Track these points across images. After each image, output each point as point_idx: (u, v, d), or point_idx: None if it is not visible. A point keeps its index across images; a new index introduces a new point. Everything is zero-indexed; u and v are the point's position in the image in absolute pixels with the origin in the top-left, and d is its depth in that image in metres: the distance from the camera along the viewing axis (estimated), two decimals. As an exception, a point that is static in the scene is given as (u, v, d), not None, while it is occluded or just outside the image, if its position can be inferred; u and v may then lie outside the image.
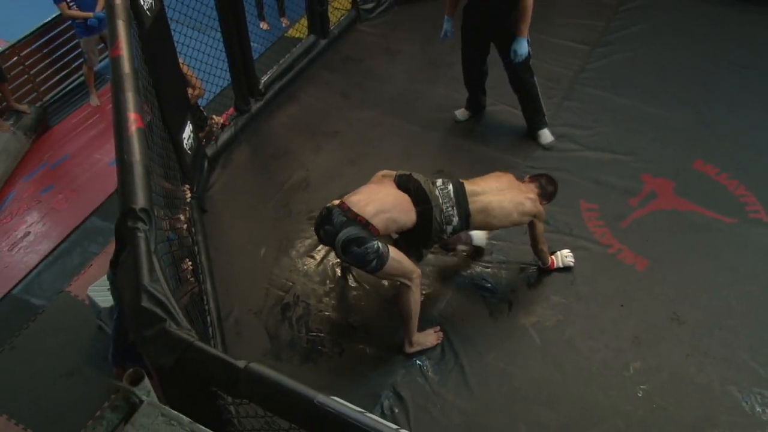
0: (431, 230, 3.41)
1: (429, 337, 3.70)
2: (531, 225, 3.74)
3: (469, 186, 3.53)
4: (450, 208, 3.41)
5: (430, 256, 4.15)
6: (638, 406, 3.41)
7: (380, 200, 3.26)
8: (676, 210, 4.43)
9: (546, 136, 4.97)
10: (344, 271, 4.13)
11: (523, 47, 4.47)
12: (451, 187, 3.47)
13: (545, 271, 4.05)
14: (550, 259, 4.01)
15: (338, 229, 3.17)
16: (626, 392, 3.48)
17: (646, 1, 6.47)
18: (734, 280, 4.00)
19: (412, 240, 3.49)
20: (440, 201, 3.41)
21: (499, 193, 3.57)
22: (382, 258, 3.16)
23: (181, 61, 4.52)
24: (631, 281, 4.01)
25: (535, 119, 4.95)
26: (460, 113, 5.22)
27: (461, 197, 3.45)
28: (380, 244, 3.17)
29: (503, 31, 4.51)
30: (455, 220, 3.43)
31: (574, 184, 4.61)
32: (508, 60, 4.63)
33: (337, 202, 3.29)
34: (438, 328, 3.77)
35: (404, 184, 3.45)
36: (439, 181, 3.50)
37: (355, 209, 3.19)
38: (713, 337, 3.71)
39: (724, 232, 4.29)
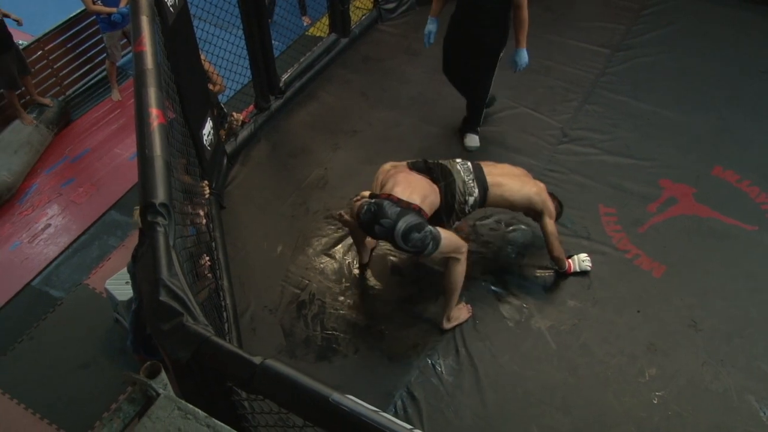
0: (455, 203, 3.58)
1: (462, 312, 3.84)
2: (542, 226, 3.81)
3: (486, 167, 3.74)
4: (471, 181, 3.61)
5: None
6: (653, 413, 3.38)
7: (419, 187, 3.44)
8: (696, 216, 4.39)
9: (473, 139, 5.00)
10: (362, 268, 4.13)
11: (523, 58, 4.49)
12: (469, 164, 3.68)
13: (562, 275, 4.03)
14: (567, 263, 3.99)
15: (396, 219, 3.25)
16: (641, 398, 3.45)
17: (667, 6, 6.40)
18: (754, 288, 3.95)
19: (436, 218, 3.60)
20: (462, 174, 3.60)
21: (513, 177, 3.80)
22: (437, 239, 3.30)
23: (202, 57, 4.54)
24: (648, 287, 3.98)
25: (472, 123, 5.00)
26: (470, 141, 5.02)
27: (479, 172, 3.66)
28: (432, 227, 3.31)
29: (482, 46, 4.50)
30: (476, 191, 3.60)
31: (592, 188, 4.58)
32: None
33: (376, 197, 3.41)
34: (465, 302, 3.88)
35: (422, 167, 3.62)
36: (458, 159, 3.71)
37: (404, 199, 3.31)
38: (731, 346, 3.67)
39: (743, 240, 4.24)
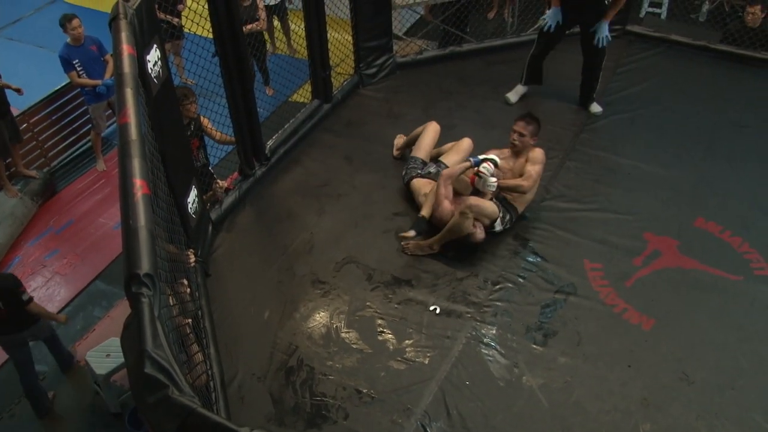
0: None
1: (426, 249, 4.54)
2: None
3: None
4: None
5: (435, 318, 4.14)
6: (650, 471, 3.34)
7: None
8: (681, 268, 4.43)
9: (595, 107, 5.96)
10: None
11: (604, 30, 5.46)
12: None
13: (549, 334, 4.03)
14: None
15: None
16: (637, 456, 3.41)
17: (642, 63, 6.62)
18: (743, 338, 3.97)
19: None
20: None
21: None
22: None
23: (203, 119, 4.87)
24: (638, 341, 3.98)
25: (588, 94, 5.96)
26: (513, 94, 6.13)
27: None
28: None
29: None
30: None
31: (577, 243, 4.63)
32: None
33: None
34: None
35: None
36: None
37: None
38: (724, 398, 3.66)
39: (730, 290, 4.28)
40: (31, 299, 4.37)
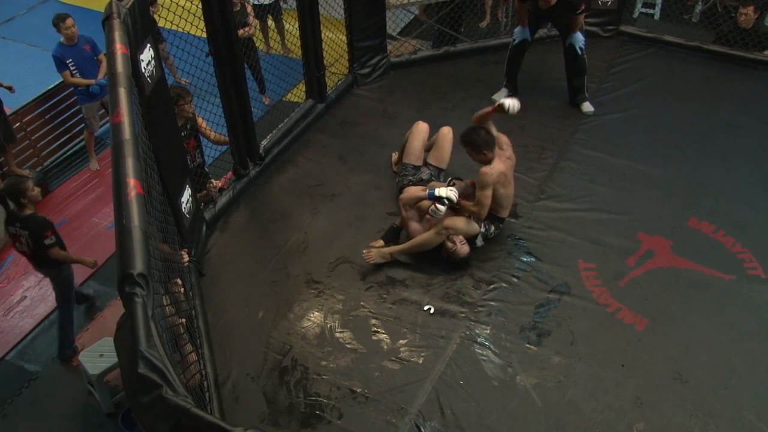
0: None
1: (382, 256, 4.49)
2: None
3: None
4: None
5: (429, 317, 4.15)
6: (643, 470, 3.36)
7: None
8: (674, 268, 4.45)
9: (587, 106, 6.00)
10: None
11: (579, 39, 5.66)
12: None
13: (543, 334, 4.04)
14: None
15: None
16: (631, 455, 3.43)
17: (636, 63, 6.64)
18: (735, 338, 3.99)
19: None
20: None
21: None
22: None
23: (199, 119, 4.85)
24: (632, 340, 3.99)
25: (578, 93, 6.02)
26: (499, 95, 6.11)
27: None
28: None
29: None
30: None
31: (571, 243, 4.64)
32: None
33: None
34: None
35: None
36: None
37: None
38: (717, 397, 3.67)
39: (722, 290, 4.30)
40: (53, 245, 4.66)
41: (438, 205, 4.31)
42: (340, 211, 5.05)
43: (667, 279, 4.38)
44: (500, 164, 4.32)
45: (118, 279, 2.29)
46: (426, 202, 4.45)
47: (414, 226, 4.54)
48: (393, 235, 4.67)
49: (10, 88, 6.24)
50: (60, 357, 4.91)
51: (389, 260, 4.51)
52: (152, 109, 3.71)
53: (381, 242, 4.65)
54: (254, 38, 7.42)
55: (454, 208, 4.44)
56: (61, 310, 4.92)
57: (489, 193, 4.30)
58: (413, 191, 4.64)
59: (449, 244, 4.41)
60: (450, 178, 4.70)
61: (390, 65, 6.66)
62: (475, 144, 4.32)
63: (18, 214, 4.66)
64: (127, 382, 2.08)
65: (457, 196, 4.35)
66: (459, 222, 4.38)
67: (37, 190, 4.72)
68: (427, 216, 4.46)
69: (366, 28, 6.26)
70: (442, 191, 4.33)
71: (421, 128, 5.09)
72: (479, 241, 4.57)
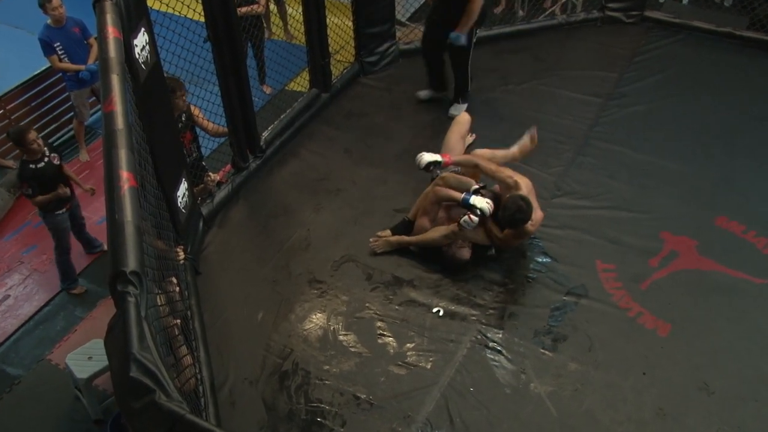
0: None
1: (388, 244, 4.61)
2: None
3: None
4: None
5: (438, 320, 4.14)
6: (665, 485, 3.35)
7: None
8: (700, 270, 4.43)
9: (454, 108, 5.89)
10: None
11: (459, 39, 5.40)
12: None
13: (558, 339, 4.03)
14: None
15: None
16: (652, 469, 3.42)
17: (660, 51, 6.60)
18: (766, 345, 3.96)
19: None
20: None
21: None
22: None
23: (193, 108, 4.87)
24: (653, 347, 3.98)
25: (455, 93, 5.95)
26: (424, 93, 6.06)
27: None
28: None
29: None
30: None
31: (589, 243, 4.62)
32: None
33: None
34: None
35: None
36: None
37: None
38: (747, 409, 3.65)
39: (752, 294, 4.27)
40: (30, 195, 5.11)
41: (472, 217, 4.19)
42: (345, 207, 5.04)
43: (692, 282, 4.36)
44: (538, 212, 4.29)
45: (110, 277, 2.29)
46: (456, 211, 4.41)
47: (423, 221, 4.53)
48: (403, 229, 4.67)
49: None
50: (63, 289, 5.54)
51: (395, 248, 4.59)
52: (147, 97, 3.71)
53: (388, 232, 4.68)
54: (262, 18, 7.37)
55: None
56: (55, 254, 5.44)
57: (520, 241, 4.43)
58: (453, 183, 4.51)
59: (450, 247, 4.42)
60: (480, 184, 4.49)
61: (399, 53, 6.65)
62: (517, 224, 4.18)
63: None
64: (117, 387, 2.08)
65: (492, 209, 4.23)
66: (473, 232, 4.36)
67: (37, 143, 5.00)
68: (452, 225, 4.36)
69: (373, 13, 6.25)
70: (478, 200, 4.23)
71: (460, 120, 5.09)
72: (492, 251, 4.56)
